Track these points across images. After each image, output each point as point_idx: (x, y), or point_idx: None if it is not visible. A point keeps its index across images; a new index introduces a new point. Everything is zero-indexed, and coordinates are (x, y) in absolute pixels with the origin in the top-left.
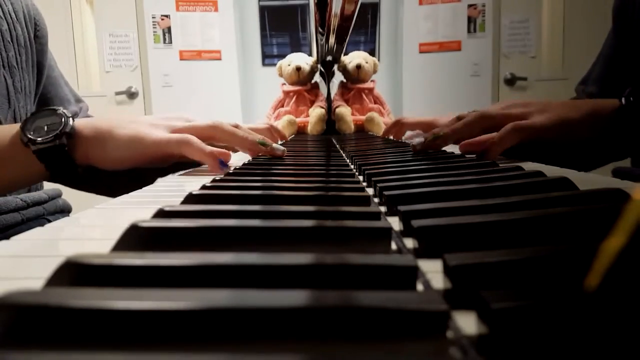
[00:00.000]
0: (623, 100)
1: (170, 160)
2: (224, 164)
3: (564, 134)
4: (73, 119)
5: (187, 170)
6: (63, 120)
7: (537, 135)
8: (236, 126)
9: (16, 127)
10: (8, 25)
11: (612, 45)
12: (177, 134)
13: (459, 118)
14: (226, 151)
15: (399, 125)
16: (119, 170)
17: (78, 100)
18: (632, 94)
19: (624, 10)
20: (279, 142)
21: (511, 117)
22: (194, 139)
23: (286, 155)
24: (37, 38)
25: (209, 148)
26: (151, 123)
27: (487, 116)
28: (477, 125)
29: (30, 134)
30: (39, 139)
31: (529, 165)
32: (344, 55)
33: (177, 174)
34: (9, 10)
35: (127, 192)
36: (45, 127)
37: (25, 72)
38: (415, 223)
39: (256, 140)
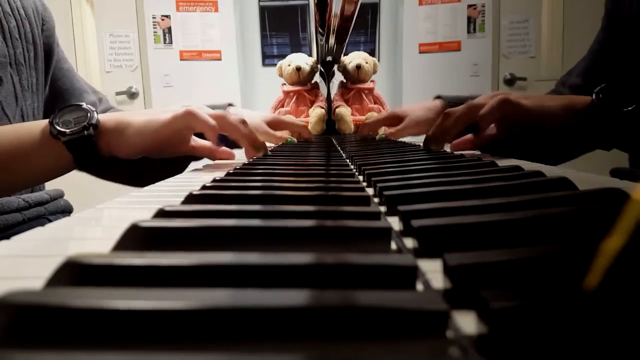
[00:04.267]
0: (594, 96)
1: (181, 149)
2: (224, 139)
3: (542, 120)
4: (97, 112)
5: (192, 170)
6: (89, 114)
7: (521, 114)
8: (243, 122)
9: (44, 122)
10: (16, 21)
11: (599, 40)
12: (181, 110)
13: (445, 115)
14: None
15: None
16: (135, 158)
17: (95, 91)
18: (602, 91)
19: (616, 4)
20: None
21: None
22: (197, 111)
23: (286, 155)
24: (44, 32)
25: (213, 121)
26: (163, 110)
27: (475, 105)
28: (465, 118)
29: (59, 127)
30: (68, 130)
31: (528, 165)
32: (344, 55)
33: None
34: (17, 7)
35: (155, 181)
36: (73, 120)
37: (32, 69)
38: (415, 223)
39: (256, 141)
